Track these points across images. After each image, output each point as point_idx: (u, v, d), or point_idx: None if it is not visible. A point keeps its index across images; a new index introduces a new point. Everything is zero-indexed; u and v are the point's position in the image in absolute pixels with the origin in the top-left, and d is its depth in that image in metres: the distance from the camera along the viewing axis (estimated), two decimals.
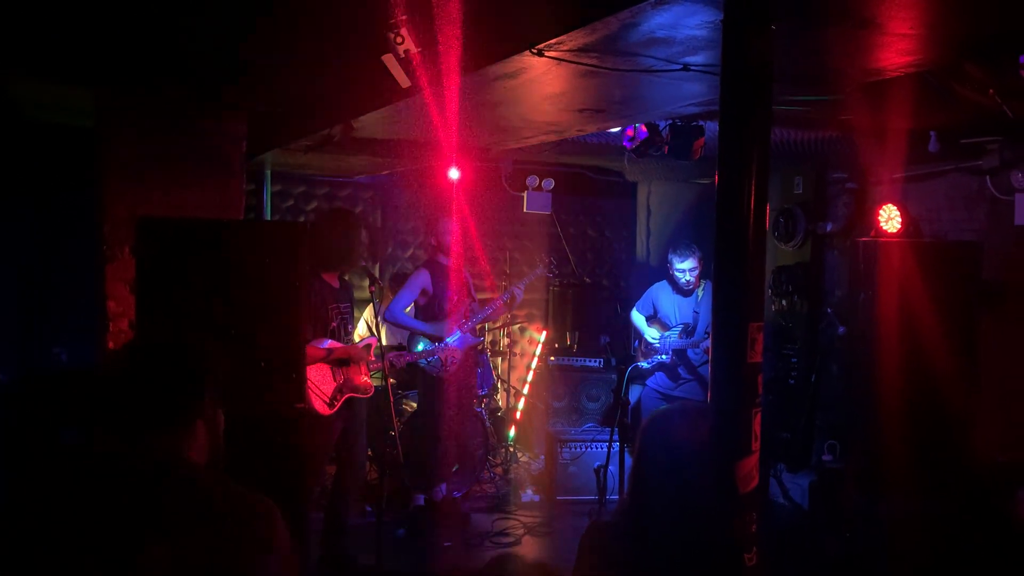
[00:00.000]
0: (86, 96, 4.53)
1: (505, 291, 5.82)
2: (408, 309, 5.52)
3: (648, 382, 5.86)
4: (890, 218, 5.29)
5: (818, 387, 6.14)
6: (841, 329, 5.96)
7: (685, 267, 5.61)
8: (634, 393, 6.16)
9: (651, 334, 5.81)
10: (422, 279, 5.43)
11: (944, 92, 3.55)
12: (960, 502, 4.41)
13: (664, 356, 5.72)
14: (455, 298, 5.45)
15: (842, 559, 4.59)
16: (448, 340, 5.33)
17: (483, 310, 5.59)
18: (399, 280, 6.12)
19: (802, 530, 5.59)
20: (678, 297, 5.77)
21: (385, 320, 5.34)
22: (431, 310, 5.45)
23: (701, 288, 5.67)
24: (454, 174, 6.49)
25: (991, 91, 3.48)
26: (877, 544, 4.44)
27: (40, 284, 6.07)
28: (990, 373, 4.84)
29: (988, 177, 5.21)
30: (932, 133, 4.74)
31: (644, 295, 6.00)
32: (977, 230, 5.35)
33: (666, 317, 5.83)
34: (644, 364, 5.82)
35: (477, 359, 5.89)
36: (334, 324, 4.53)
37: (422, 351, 5.30)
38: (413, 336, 5.44)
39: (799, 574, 4.69)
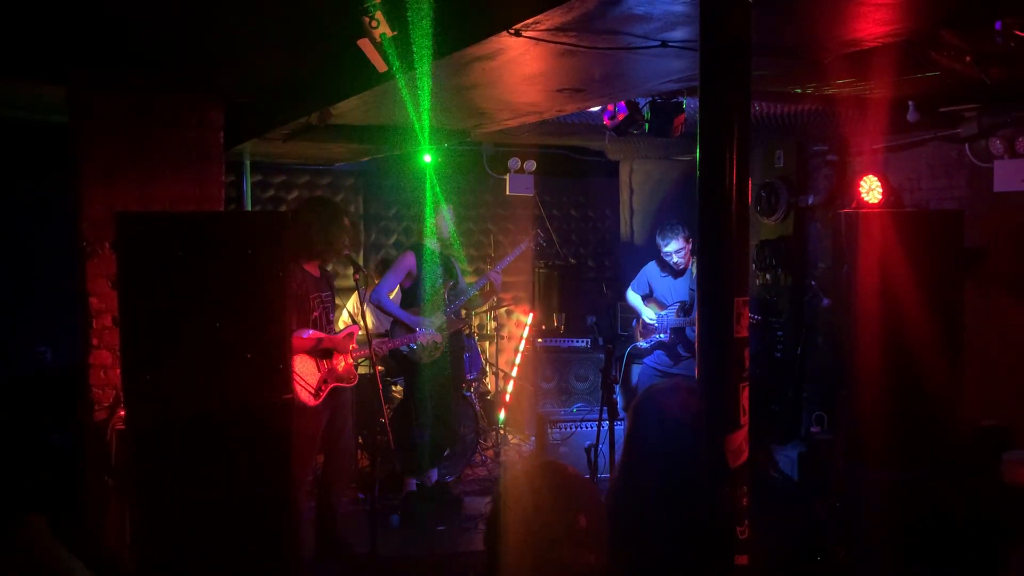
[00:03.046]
0: (58, 93, 4.47)
1: (483, 275, 5.80)
2: (394, 293, 5.51)
3: (646, 360, 5.91)
4: (871, 189, 5.31)
5: (804, 359, 6.18)
6: (825, 301, 6.01)
7: (672, 249, 5.62)
8: (634, 373, 6.22)
9: (648, 314, 5.83)
10: (408, 261, 5.42)
11: (922, 61, 3.55)
12: (945, 468, 4.46)
13: (662, 335, 5.75)
14: (438, 282, 5.44)
15: (831, 528, 4.64)
16: (422, 331, 5.29)
17: (464, 295, 5.58)
18: (386, 266, 6.11)
19: (792, 502, 5.64)
20: (670, 277, 5.79)
21: (371, 302, 5.32)
22: (415, 293, 5.43)
23: (695, 265, 5.68)
24: (433, 158, 6.46)
25: (968, 58, 3.48)
26: (865, 512, 4.48)
27: (24, 280, 6.00)
28: (973, 339, 4.89)
29: (967, 145, 5.24)
30: (911, 103, 4.75)
31: (638, 275, 6.01)
32: (958, 198, 5.38)
33: (662, 296, 5.85)
34: (643, 344, 5.87)
35: (462, 344, 5.88)
36: (316, 313, 4.51)
37: (405, 337, 5.26)
38: (395, 323, 5.42)
39: (790, 545, 4.73)
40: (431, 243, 5.48)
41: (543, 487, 1.57)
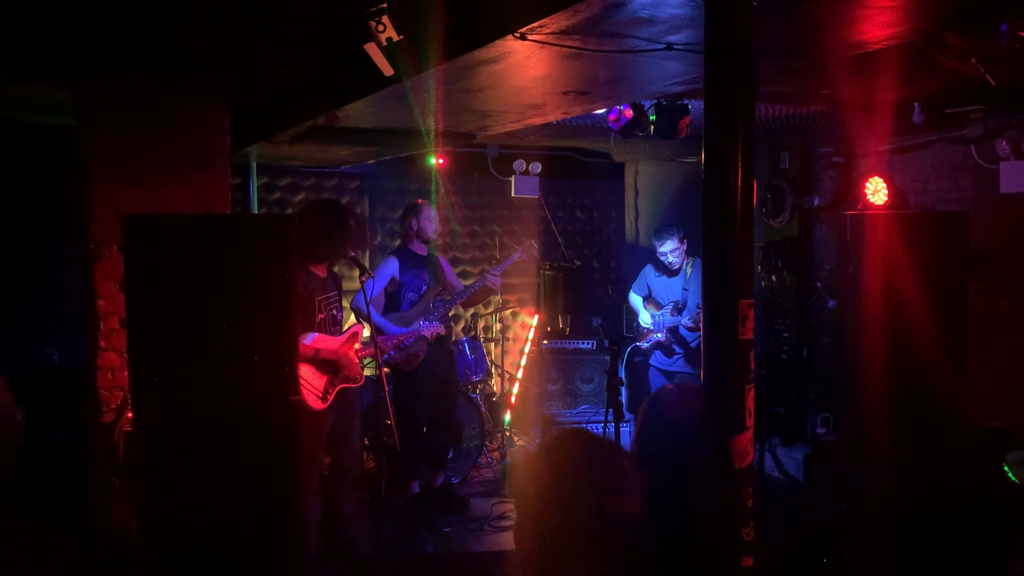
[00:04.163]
0: (64, 95, 4.49)
1: (478, 279, 5.76)
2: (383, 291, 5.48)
3: (650, 360, 6.05)
4: (876, 190, 5.31)
5: (810, 361, 6.18)
6: (831, 303, 6.01)
7: (666, 249, 5.78)
8: (635, 373, 6.31)
9: (644, 317, 5.99)
10: (390, 267, 5.40)
11: (927, 62, 3.55)
12: (950, 469, 4.46)
13: (660, 334, 5.89)
14: (424, 287, 5.43)
15: (836, 529, 4.63)
16: (425, 324, 5.26)
17: (454, 298, 5.55)
18: None
19: (798, 503, 5.63)
20: (665, 277, 5.95)
21: (351, 308, 5.27)
22: (398, 299, 5.42)
23: (690, 265, 5.81)
24: (439, 161, 6.47)
25: (973, 60, 3.48)
26: (870, 513, 4.48)
27: (31, 282, 6.03)
28: (978, 340, 4.89)
29: (972, 146, 5.24)
30: (916, 104, 4.74)
31: (638, 276, 6.17)
32: (963, 199, 5.38)
33: (659, 296, 6.01)
34: (643, 344, 6.03)
35: (450, 348, 5.81)
36: (321, 316, 4.51)
37: (402, 335, 5.23)
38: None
39: (795, 547, 4.73)
40: (416, 246, 5.46)
41: (579, 443, 1.63)
